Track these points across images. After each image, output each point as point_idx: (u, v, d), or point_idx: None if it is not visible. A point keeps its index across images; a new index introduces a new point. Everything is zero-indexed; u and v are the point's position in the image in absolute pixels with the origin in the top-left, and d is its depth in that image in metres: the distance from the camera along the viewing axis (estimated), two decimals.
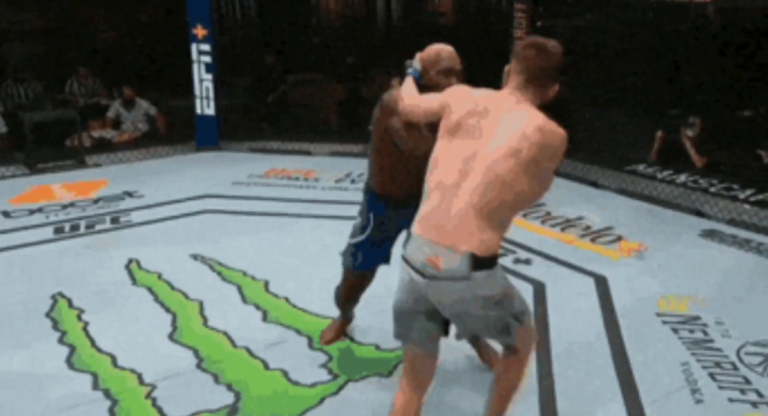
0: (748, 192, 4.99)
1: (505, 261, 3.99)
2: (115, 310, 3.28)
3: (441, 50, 2.37)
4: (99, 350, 2.92)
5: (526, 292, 3.55)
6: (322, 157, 5.91)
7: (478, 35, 5.73)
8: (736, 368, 2.89)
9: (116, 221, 4.51)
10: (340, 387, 2.75)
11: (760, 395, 2.73)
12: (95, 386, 2.66)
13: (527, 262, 4.00)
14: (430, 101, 2.00)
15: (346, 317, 3.03)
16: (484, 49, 5.61)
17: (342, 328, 2.98)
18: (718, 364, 2.90)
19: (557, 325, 3.25)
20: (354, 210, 3.27)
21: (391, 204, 2.48)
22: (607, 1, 6.01)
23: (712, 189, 5.03)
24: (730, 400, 2.70)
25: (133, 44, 7.11)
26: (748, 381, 2.79)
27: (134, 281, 3.63)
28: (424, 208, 1.83)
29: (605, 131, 5.61)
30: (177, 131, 6.12)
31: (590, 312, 3.42)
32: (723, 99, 5.18)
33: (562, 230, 4.50)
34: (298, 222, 4.58)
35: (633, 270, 3.97)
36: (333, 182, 5.32)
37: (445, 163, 1.78)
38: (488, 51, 5.53)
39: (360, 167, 5.52)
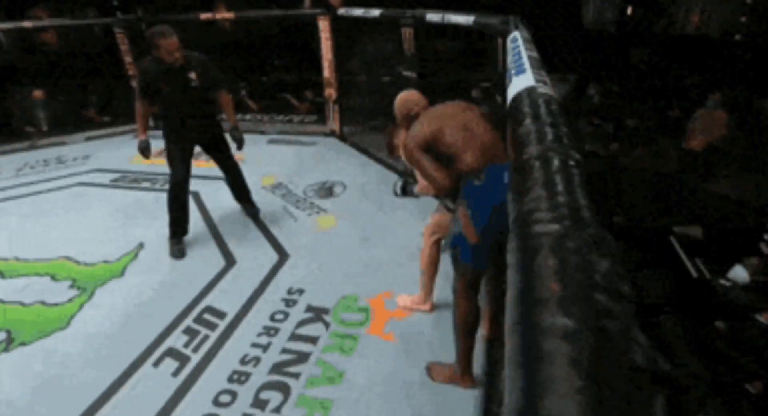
0: (298, 119, 6.86)
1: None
2: None
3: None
4: None
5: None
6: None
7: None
8: (306, 195, 4.57)
9: None
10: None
11: (321, 208, 4.30)
12: None
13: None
14: None
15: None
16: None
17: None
18: (297, 201, 4.49)
19: (217, 212, 4.42)
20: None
21: None
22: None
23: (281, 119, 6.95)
24: (310, 214, 4.23)
25: None
26: (316, 205, 4.38)
27: None
28: None
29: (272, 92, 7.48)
30: None
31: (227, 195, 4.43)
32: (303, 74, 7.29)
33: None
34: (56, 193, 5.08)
35: (246, 167, 4.64)
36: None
37: None
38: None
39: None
